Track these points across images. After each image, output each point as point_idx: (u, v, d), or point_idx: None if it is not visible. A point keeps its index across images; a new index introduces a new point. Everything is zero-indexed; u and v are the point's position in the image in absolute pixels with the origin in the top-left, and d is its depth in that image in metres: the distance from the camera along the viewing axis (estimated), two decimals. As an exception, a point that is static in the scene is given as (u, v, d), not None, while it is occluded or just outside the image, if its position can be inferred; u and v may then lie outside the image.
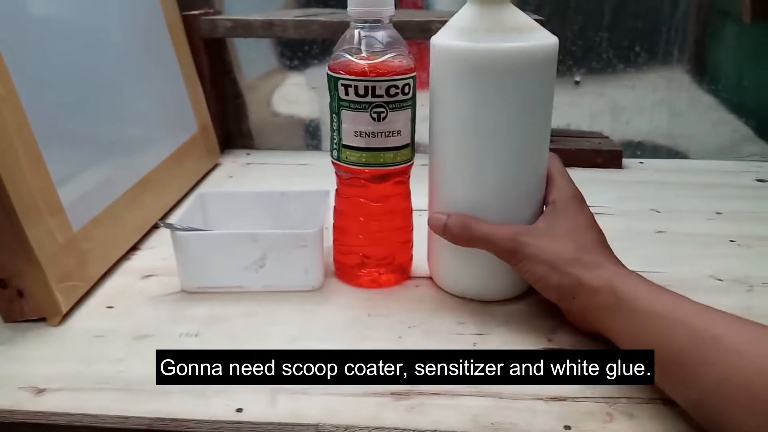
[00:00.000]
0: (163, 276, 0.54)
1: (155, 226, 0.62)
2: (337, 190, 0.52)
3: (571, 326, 0.46)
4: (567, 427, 0.37)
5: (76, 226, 0.50)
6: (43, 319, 0.47)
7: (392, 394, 0.39)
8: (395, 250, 0.52)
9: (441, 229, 0.47)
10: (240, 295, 0.51)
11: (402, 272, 0.53)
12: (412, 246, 0.54)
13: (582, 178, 0.79)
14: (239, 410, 0.38)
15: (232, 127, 0.93)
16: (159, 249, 0.59)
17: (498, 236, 0.45)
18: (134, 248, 0.59)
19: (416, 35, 0.75)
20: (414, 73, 0.47)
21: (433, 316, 0.48)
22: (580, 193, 0.48)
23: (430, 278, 0.53)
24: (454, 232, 0.47)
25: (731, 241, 0.62)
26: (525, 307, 0.49)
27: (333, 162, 0.50)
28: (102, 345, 0.45)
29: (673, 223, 0.66)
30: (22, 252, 0.45)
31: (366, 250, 0.52)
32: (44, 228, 0.46)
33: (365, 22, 0.47)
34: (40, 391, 0.40)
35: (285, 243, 0.50)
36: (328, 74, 0.47)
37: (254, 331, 0.46)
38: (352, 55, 0.47)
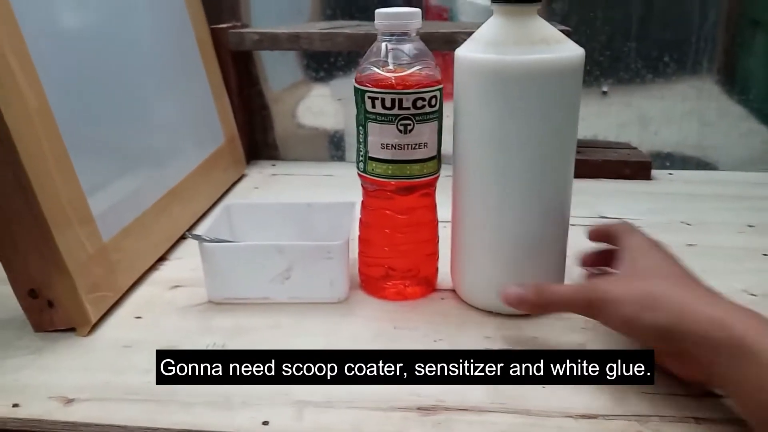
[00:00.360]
0: (191, 287, 0.54)
1: (183, 237, 0.63)
2: (362, 201, 0.52)
3: (601, 340, 0.45)
4: (597, 446, 0.36)
5: (106, 237, 0.51)
6: (72, 329, 0.48)
7: (418, 408, 0.39)
8: (421, 263, 0.52)
9: (519, 301, 0.44)
10: (266, 307, 0.51)
11: (427, 285, 0.53)
12: (437, 258, 0.53)
13: (610, 189, 0.79)
14: (265, 423, 0.38)
15: (258, 138, 0.94)
16: (186, 259, 0.60)
17: (575, 290, 0.43)
18: (162, 258, 0.59)
19: (441, 47, 0.75)
20: (441, 86, 0.47)
21: (460, 330, 0.48)
22: (655, 240, 0.45)
23: (455, 290, 0.53)
24: (532, 301, 0.44)
25: (764, 255, 0.60)
26: (552, 321, 0.48)
27: (359, 174, 0.50)
28: (130, 355, 0.45)
29: (704, 236, 0.65)
30: (52, 262, 0.45)
31: (391, 263, 0.52)
32: (74, 238, 0.47)
33: (392, 34, 0.47)
34: (69, 401, 0.40)
35: (311, 255, 0.50)
36: (355, 87, 0.47)
37: (280, 343, 0.46)
38: (379, 68, 0.47)
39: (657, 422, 0.38)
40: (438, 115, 0.48)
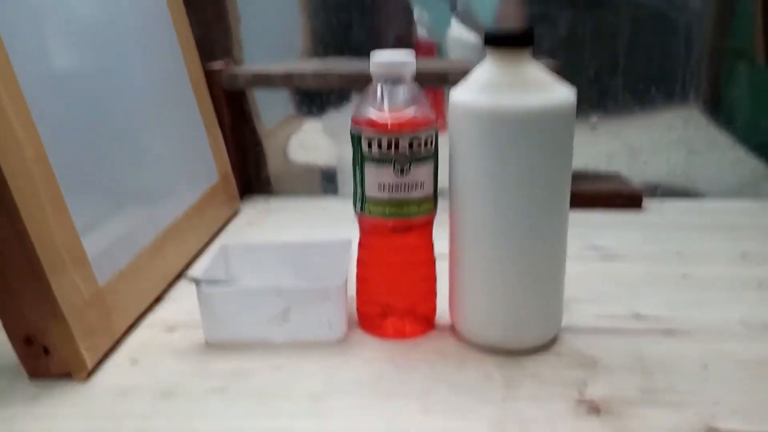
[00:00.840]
0: (187, 328, 0.53)
1: (179, 278, 0.62)
2: (359, 240, 0.53)
3: (603, 377, 0.45)
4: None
5: (102, 280, 0.51)
6: (68, 375, 0.47)
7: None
8: (419, 301, 0.52)
9: None
10: (264, 348, 0.50)
11: (426, 323, 0.53)
12: (435, 296, 0.53)
13: (602, 220, 0.79)
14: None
15: (251, 174, 0.94)
16: (182, 301, 0.59)
17: None
18: (158, 299, 0.59)
19: (433, 83, 0.76)
20: (436, 127, 0.48)
21: (460, 369, 0.47)
22: None
23: (454, 327, 0.53)
24: None
25: (759, 285, 0.61)
26: (553, 358, 0.48)
27: (356, 215, 0.50)
28: (128, 402, 0.45)
29: (698, 266, 0.65)
30: (48, 308, 0.45)
31: (389, 301, 0.52)
32: (69, 282, 0.47)
33: (387, 79, 0.48)
34: (67, 452, 0.40)
35: (309, 296, 0.50)
36: (351, 129, 0.48)
37: (280, 386, 0.46)
38: (375, 111, 0.47)
39: None
40: (434, 156, 0.48)
